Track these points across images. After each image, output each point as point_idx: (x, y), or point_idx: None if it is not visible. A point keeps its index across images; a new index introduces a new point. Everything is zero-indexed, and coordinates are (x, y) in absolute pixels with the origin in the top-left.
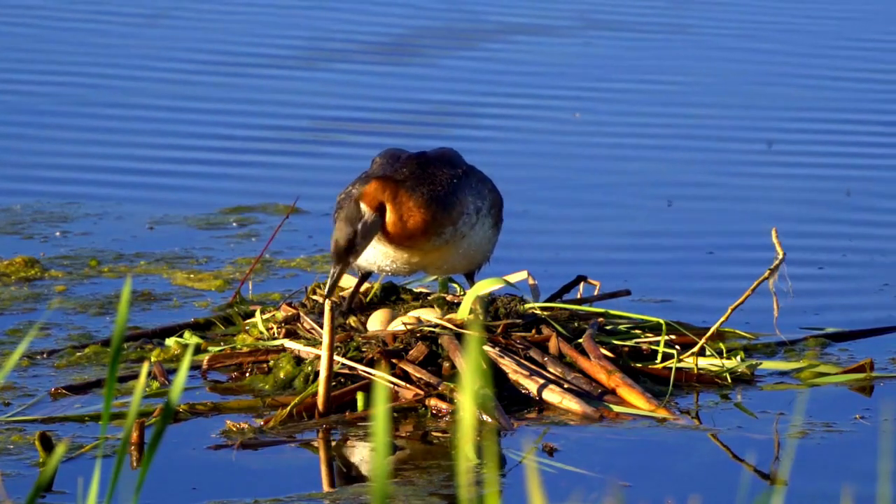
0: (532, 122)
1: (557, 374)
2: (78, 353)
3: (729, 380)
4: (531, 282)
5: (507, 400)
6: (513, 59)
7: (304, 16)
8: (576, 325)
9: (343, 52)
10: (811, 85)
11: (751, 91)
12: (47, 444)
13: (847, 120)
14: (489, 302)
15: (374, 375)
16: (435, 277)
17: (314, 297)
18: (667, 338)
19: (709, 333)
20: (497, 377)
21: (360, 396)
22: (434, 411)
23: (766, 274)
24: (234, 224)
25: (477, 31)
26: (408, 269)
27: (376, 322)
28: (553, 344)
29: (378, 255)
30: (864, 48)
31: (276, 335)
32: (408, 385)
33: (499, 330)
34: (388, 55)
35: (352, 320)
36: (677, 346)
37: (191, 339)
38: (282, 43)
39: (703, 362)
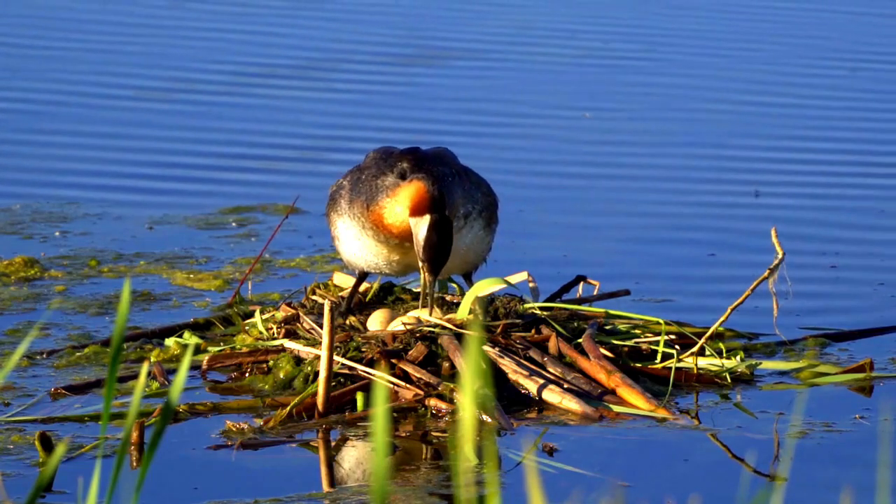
0: (533, 123)
1: (557, 374)
2: (78, 353)
3: (729, 380)
4: (531, 283)
5: (507, 400)
6: (510, 67)
7: (308, 29)
8: (575, 325)
9: (345, 64)
10: (811, 87)
11: (751, 93)
12: (47, 444)
13: (846, 120)
14: (488, 302)
15: (373, 375)
16: None
17: (314, 298)
18: (666, 337)
19: (708, 333)
20: (497, 377)
21: (359, 396)
22: (434, 411)
23: (765, 274)
24: (234, 224)
25: (470, 47)
26: (402, 269)
27: (376, 322)
28: (553, 344)
29: (369, 254)
30: (858, 57)
31: (275, 335)
32: (407, 385)
33: (498, 330)
34: (388, 67)
35: (351, 320)
36: (677, 346)
37: (190, 339)
38: (284, 54)
39: (703, 362)
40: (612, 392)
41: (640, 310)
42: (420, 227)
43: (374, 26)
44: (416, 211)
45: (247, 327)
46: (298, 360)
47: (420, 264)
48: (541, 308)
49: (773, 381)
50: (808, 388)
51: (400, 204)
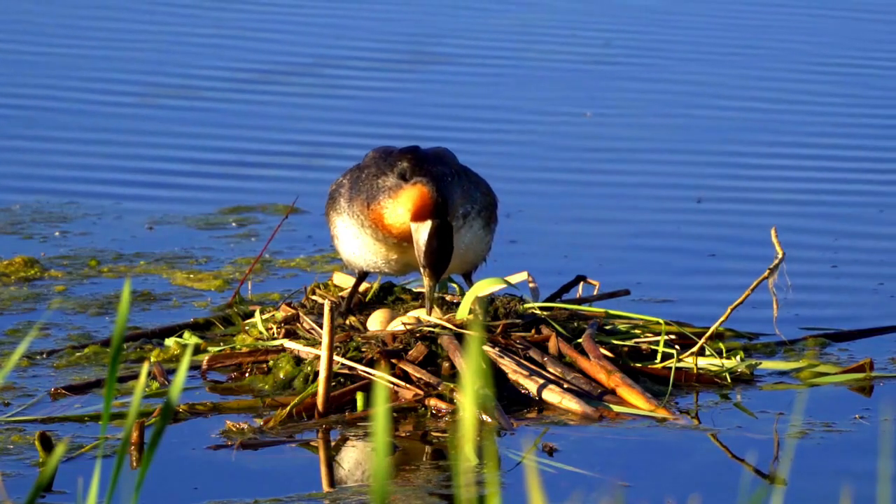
0: (533, 124)
1: (557, 374)
2: (77, 354)
3: (729, 380)
4: (531, 283)
5: (507, 400)
6: (510, 69)
7: (308, 31)
8: (575, 325)
9: (345, 65)
10: (812, 88)
11: (752, 94)
12: (47, 444)
13: (846, 123)
14: (488, 302)
15: (373, 375)
16: None
17: (314, 298)
18: (666, 337)
19: (708, 333)
20: (497, 377)
21: (359, 396)
22: (434, 411)
23: (765, 273)
24: (234, 224)
25: (470, 49)
26: (401, 268)
27: (376, 322)
28: (553, 344)
29: (368, 253)
30: (859, 58)
31: (275, 335)
32: (407, 385)
33: (498, 330)
34: (389, 68)
35: (351, 320)
36: (677, 346)
37: (190, 339)
38: (284, 55)
39: (703, 362)
40: (612, 392)
41: (640, 310)
42: (421, 233)
43: (374, 28)
44: (418, 216)
45: (247, 327)
46: (298, 360)
47: (421, 270)
48: (541, 308)
49: (773, 381)
50: (808, 388)
51: (401, 206)
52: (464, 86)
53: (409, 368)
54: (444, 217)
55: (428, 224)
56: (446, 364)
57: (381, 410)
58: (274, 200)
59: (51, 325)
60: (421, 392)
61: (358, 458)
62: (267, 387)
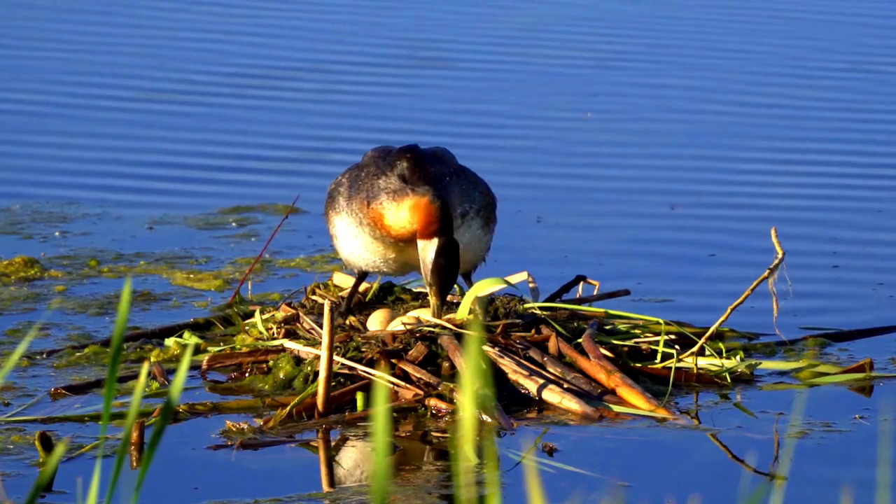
0: (533, 124)
1: (557, 374)
2: (77, 354)
3: (729, 380)
4: (531, 283)
5: (507, 400)
6: (510, 69)
7: (308, 31)
8: (575, 325)
9: (345, 65)
10: (812, 88)
11: (752, 94)
12: (47, 444)
13: (846, 122)
14: (488, 302)
15: (373, 375)
16: None
17: (314, 298)
18: (666, 337)
19: (708, 333)
20: (497, 377)
21: (359, 396)
22: (434, 411)
23: (765, 273)
24: (234, 224)
25: (470, 49)
26: (399, 267)
27: (376, 322)
28: (553, 344)
29: (366, 252)
30: (859, 58)
31: (275, 335)
32: (407, 385)
33: (498, 330)
34: (389, 68)
35: (351, 320)
36: (677, 346)
37: (190, 339)
38: (284, 55)
39: (703, 362)
40: (612, 392)
41: (640, 310)
42: (428, 252)
43: (375, 31)
44: (425, 234)
45: (247, 327)
46: (298, 360)
47: (428, 288)
48: (541, 308)
49: (773, 381)
50: (808, 388)
51: (404, 211)
52: (463, 89)
53: (409, 368)
54: (451, 234)
55: (435, 242)
56: (446, 364)
57: (381, 410)
58: (274, 200)
59: (51, 325)
60: (421, 392)
61: (358, 458)
62: (267, 387)
